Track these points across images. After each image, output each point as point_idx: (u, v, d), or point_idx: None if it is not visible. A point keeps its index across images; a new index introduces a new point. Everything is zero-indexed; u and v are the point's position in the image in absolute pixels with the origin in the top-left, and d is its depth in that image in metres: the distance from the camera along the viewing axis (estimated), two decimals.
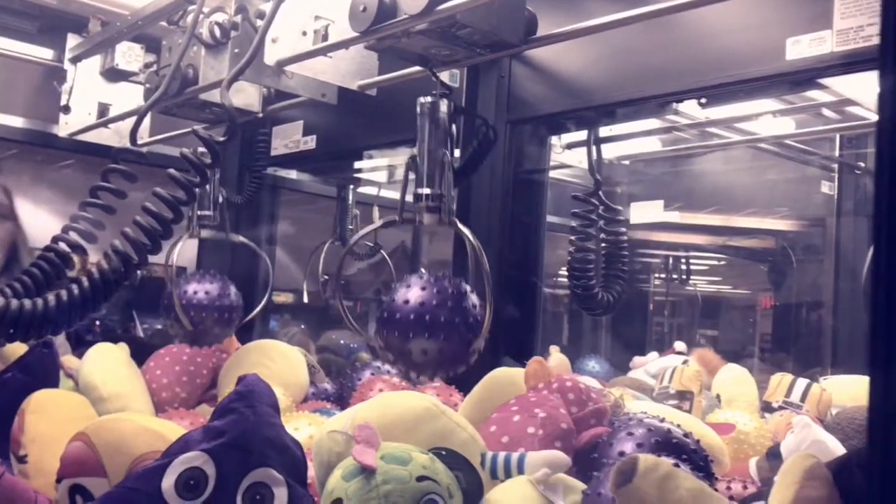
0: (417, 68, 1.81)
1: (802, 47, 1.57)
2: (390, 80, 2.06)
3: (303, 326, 3.58)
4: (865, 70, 1.58)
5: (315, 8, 1.93)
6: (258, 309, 2.63)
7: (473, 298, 1.63)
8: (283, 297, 3.75)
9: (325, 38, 1.91)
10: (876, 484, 0.65)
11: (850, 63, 1.53)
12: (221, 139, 1.68)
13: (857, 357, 2.86)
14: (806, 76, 1.61)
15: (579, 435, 1.36)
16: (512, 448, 1.27)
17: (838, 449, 1.56)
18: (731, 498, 1.26)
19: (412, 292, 1.59)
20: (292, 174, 3.26)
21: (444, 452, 1.16)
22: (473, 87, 2.16)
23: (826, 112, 2.42)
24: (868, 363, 0.66)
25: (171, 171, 1.62)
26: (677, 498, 0.87)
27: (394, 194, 3.48)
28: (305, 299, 3.36)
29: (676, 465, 1.07)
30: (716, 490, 1.25)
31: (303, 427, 1.63)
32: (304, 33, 1.92)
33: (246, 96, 2.31)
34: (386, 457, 1.09)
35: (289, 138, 2.89)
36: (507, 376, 1.63)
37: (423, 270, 1.67)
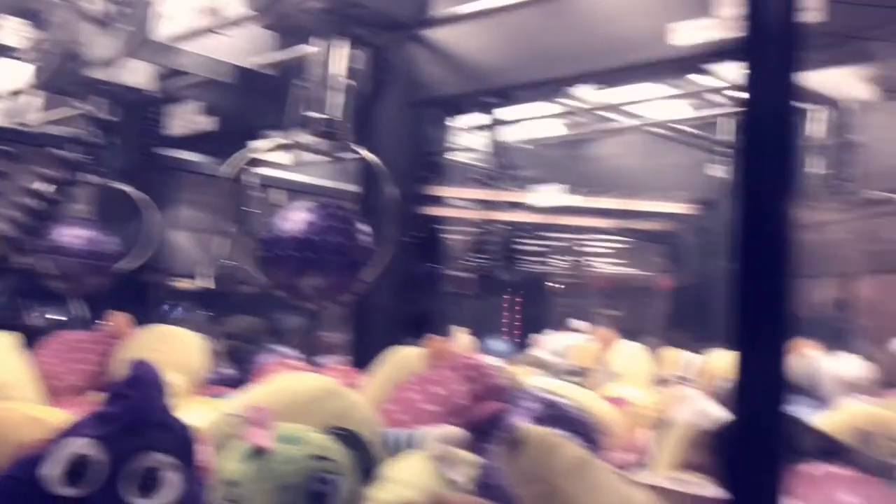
0: (315, 48, 1.80)
1: (687, 34, 1.63)
2: (288, 58, 2.04)
3: (207, 312, 3.51)
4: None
5: None
6: (135, 260, 2.55)
7: (362, 226, 1.63)
8: (185, 283, 3.66)
9: (219, 15, 1.87)
10: (740, 447, 0.69)
11: (730, 50, 1.60)
12: (109, 118, 1.64)
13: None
14: (690, 62, 1.68)
15: (477, 411, 1.38)
16: (411, 425, 1.29)
17: (724, 418, 1.64)
18: (619, 466, 1.31)
19: (295, 217, 1.60)
20: (192, 156, 3.17)
21: (341, 432, 1.16)
22: (374, 70, 2.15)
23: (717, 98, 2.53)
24: (731, 338, 0.70)
25: (55, 151, 1.56)
26: (562, 466, 0.90)
27: (300, 177, 3.45)
28: (212, 285, 3.29)
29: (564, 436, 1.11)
30: (604, 460, 1.30)
31: (199, 411, 1.60)
32: (198, 10, 1.88)
33: (138, 74, 2.23)
34: (280, 437, 1.08)
35: (186, 119, 2.82)
36: (407, 356, 1.64)
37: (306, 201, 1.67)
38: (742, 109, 0.73)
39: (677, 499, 1.01)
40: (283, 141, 1.75)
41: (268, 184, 3.30)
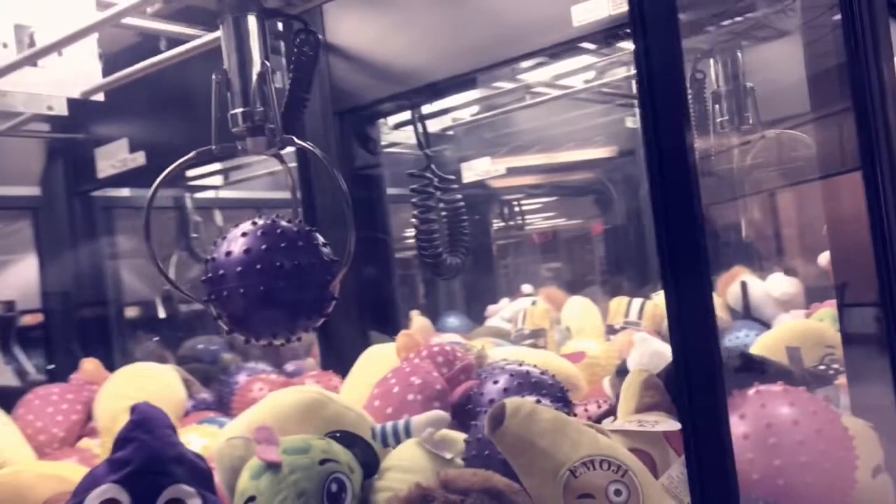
0: (145, 63, 1.80)
1: (586, 13, 1.77)
2: (116, 80, 2.00)
3: (156, 339, 3.54)
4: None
5: (13, 16, 1.78)
6: None
7: (317, 237, 1.38)
8: (131, 312, 3.69)
9: (31, 46, 1.79)
10: (682, 382, 0.83)
11: (625, 23, 1.74)
12: None
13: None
14: (592, 39, 1.81)
15: (452, 392, 1.51)
16: (397, 417, 1.41)
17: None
18: (588, 418, 1.46)
19: (235, 246, 1.31)
20: (124, 192, 3.20)
21: (338, 434, 1.28)
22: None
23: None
24: (661, 279, 0.83)
25: None
26: (541, 429, 1.04)
27: (231, 193, 3.50)
28: (162, 314, 3.33)
29: (538, 402, 1.25)
30: (574, 415, 1.45)
31: (195, 440, 1.69)
32: (5, 45, 1.77)
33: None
34: (287, 450, 1.20)
35: (114, 158, 2.84)
36: (379, 353, 1.77)
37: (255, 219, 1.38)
38: (638, 71, 0.84)
39: (643, 437, 1.16)
40: (207, 149, 1.45)
41: (203, 206, 3.36)
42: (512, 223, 4.91)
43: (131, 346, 3.48)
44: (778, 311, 2.76)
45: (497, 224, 4.81)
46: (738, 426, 1.12)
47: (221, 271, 1.31)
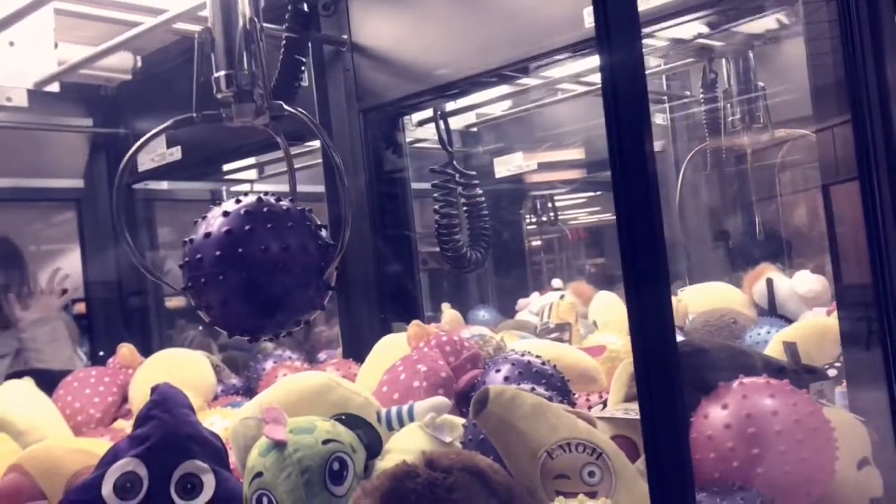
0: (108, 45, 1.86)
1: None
2: (71, 68, 2.05)
3: (200, 328, 3.65)
4: (652, 26, 1.85)
5: None
6: None
7: (311, 217, 1.22)
8: (174, 302, 3.81)
9: None
10: (641, 377, 0.88)
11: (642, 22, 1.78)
12: None
13: (706, 268, 3.23)
14: None
15: (458, 380, 1.58)
16: (402, 402, 1.48)
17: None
18: (588, 408, 1.51)
19: (217, 221, 1.14)
20: (163, 185, 3.33)
21: (343, 417, 1.35)
22: (321, 84, 2.32)
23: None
24: (623, 280, 0.88)
25: None
26: (522, 413, 1.10)
27: (266, 186, 3.60)
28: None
29: (532, 390, 1.31)
30: (574, 404, 1.50)
31: (218, 421, 1.78)
32: None
33: None
34: (294, 430, 1.27)
35: (154, 152, 2.96)
36: (393, 342, 1.84)
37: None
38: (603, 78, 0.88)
39: (627, 424, 1.22)
40: (187, 117, 1.31)
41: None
42: (545, 219, 4.94)
43: (173, 334, 3.61)
44: (804, 308, 2.76)
45: (530, 219, 4.85)
46: (720, 417, 1.16)
47: (199, 255, 1.17)
